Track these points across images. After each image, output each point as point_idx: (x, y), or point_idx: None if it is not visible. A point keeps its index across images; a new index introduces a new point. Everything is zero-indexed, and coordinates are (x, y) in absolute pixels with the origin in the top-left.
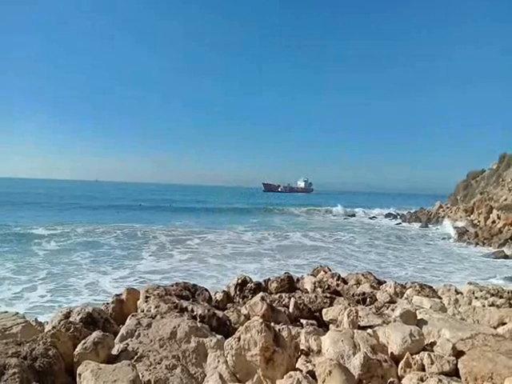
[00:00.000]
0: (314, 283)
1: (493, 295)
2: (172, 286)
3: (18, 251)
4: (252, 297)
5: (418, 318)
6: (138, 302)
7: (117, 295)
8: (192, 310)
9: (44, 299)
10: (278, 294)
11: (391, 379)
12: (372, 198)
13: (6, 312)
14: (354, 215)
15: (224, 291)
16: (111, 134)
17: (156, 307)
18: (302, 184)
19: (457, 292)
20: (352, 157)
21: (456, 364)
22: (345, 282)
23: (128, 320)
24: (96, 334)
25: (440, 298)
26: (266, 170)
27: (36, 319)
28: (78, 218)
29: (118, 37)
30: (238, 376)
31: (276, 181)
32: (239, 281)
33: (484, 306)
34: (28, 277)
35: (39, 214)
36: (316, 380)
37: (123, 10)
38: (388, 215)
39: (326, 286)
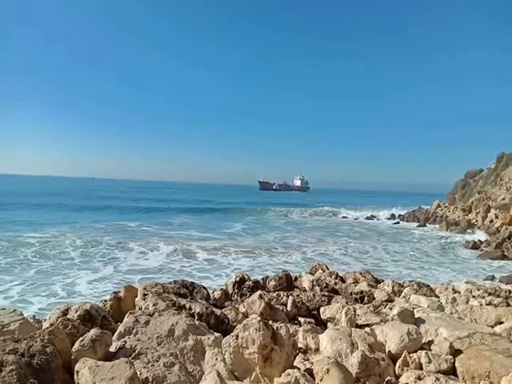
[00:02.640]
0: (312, 281)
1: (490, 294)
2: (170, 283)
3: (10, 248)
4: (250, 295)
5: (416, 316)
6: (136, 300)
7: (115, 292)
8: (190, 308)
9: (9, 301)
10: (276, 292)
11: (389, 378)
12: (370, 196)
13: (4, 309)
14: (352, 215)
15: (222, 289)
16: (109, 133)
17: (154, 305)
18: (298, 182)
19: (454, 291)
20: (350, 156)
21: (453, 363)
22: (343, 280)
23: (126, 317)
24: (94, 332)
25: (437, 296)
26: (262, 167)
27: (34, 316)
28: (76, 217)
29: (120, 35)
30: (235, 374)
31: (274, 179)
32: (237, 279)
33: (481, 304)
34: (10, 276)
35: (38, 212)
36: (314, 378)
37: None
38: (386, 214)
39: (324, 285)
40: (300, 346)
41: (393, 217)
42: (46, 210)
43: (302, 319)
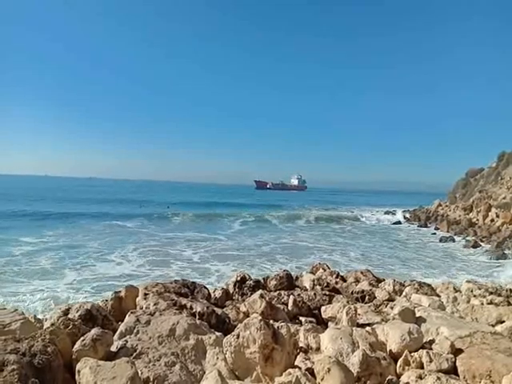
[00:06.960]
0: (313, 281)
1: (491, 293)
2: (171, 283)
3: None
4: (251, 294)
5: (417, 315)
6: (137, 299)
7: (116, 292)
8: (191, 308)
9: None
10: (277, 292)
11: (390, 377)
12: (369, 196)
13: (5, 309)
14: (351, 215)
15: (223, 288)
16: (109, 132)
17: (155, 304)
18: (295, 181)
19: (455, 290)
20: (349, 155)
21: (454, 362)
22: (344, 279)
23: (127, 317)
24: (95, 331)
25: (439, 295)
26: (262, 167)
27: (35, 316)
28: (74, 217)
29: (120, 32)
30: (236, 373)
31: (273, 179)
32: (238, 278)
33: (482, 304)
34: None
35: (36, 212)
36: (315, 377)
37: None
38: (386, 214)
39: (325, 284)
40: (301, 345)
41: (392, 216)
42: (44, 210)
43: (302, 318)
